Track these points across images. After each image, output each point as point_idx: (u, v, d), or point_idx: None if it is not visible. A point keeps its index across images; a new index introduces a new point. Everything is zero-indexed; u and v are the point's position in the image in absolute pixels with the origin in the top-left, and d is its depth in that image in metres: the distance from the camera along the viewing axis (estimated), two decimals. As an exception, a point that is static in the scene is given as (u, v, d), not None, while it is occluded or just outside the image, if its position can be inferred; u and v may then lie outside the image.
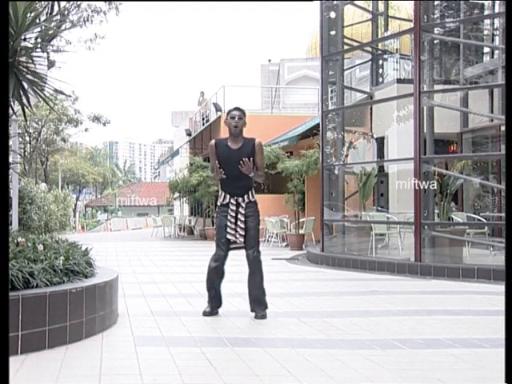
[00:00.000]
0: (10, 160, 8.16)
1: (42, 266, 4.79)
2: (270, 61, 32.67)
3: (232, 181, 5.96)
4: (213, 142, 6.15)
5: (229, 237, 5.96)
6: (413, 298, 7.45)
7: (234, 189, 5.98)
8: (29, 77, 5.30)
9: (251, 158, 5.91)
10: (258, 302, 5.98)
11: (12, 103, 5.32)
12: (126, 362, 4.23)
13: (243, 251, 6.05)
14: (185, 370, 4.00)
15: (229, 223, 5.96)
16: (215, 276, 6.09)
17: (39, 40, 5.71)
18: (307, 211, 17.97)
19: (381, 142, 14.50)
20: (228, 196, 6.02)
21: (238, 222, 5.94)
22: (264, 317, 5.88)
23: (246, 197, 5.98)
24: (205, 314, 6.03)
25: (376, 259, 10.96)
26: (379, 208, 15.05)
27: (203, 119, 24.44)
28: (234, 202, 5.97)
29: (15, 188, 10.81)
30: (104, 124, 36.60)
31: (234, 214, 5.95)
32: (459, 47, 14.50)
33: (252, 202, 6.01)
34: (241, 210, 5.95)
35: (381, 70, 15.21)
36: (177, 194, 25.51)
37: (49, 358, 4.28)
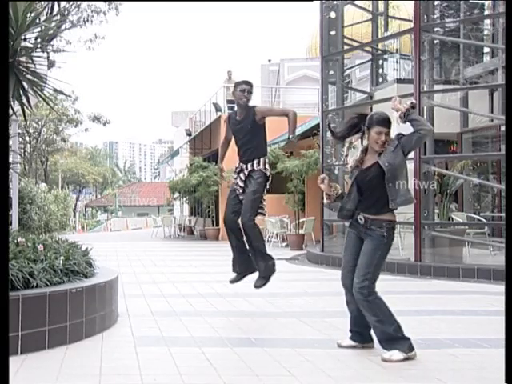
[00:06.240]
0: (10, 160, 8.16)
1: (42, 266, 4.79)
2: (270, 61, 32.66)
3: (240, 149, 6.21)
4: (226, 116, 6.56)
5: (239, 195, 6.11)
6: (413, 298, 7.44)
7: (241, 157, 6.21)
8: (29, 77, 5.31)
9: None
10: (256, 265, 6.11)
11: (12, 103, 5.32)
12: (126, 361, 4.23)
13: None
14: (185, 370, 4.00)
15: (236, 186, 6.16)
16: (229, 231, 6.18)
17: (39, 40, 5.71)
18: (307, 211, 17.96)
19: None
20: (238, 163, 6.24)
21: (240, 182, 6.13)
22: (262, 286, 6.09)
23: (249, 164, 6.10)
24: (230, 281, 6.24)
25: (376, 259, 10.93)
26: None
27: (228, 102, 22.85)
28: (239, 168, 6.17)
29: (15, 188, 10.80)
30: (104, 124, 36.54)
31: (235, 176, 6.19)
32: (459, 47, 14.49)
33: (256, 170, 6.09)
34: (241, 175, 6.11)
35: (381, 70, 15.20)
36: (177, 194, 25.51)
37: (49, 357, 4.29)
